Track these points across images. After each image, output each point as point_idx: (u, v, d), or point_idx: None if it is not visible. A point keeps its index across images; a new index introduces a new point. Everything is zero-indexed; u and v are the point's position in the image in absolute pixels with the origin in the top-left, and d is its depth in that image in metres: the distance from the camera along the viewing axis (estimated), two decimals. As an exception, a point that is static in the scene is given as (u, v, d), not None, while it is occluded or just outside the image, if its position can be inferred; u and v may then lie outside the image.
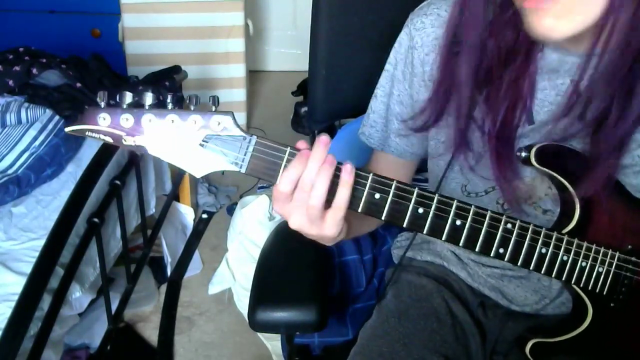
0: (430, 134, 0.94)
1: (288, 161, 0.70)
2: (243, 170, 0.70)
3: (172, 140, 0.68)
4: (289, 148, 0.70)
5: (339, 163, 0.71)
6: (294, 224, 0.73)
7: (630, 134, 0.80)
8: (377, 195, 0.73)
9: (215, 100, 0.70)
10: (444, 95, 0.85)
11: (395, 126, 0.96)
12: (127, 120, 0.67)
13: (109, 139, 0.67)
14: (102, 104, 0.67)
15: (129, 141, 0.67)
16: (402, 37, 0.92)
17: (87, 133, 0.67)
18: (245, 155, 0.69)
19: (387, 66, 0.95)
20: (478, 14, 0.78)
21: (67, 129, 0.68)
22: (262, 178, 0.71)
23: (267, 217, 1.82)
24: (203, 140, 0.69)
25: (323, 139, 0.69)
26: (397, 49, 0.93)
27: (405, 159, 1.00)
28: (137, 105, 0.68)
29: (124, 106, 0.67)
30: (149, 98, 0.67)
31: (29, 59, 2.01)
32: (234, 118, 0.69)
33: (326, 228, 0.73)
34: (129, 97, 0.67)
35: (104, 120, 0.67)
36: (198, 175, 0.70)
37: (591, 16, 0.69)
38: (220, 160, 0.69)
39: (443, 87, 0.84)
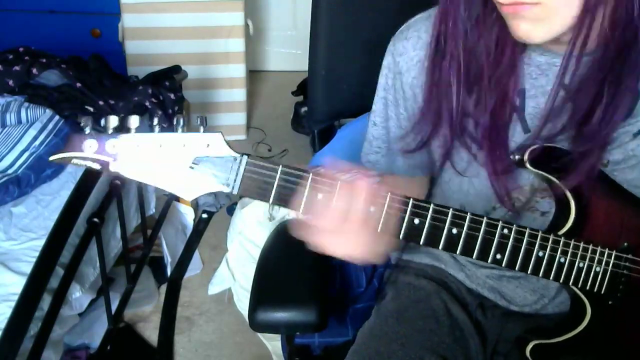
0: (433, 148, 0.94)
1: (283, 180, 0.68)
2: (235, 192, 0.68)
3: (161, 164, 0.67)
4: (280, 167, 0.69)
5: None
6: (341, 254, 0.73)
7: (615, 129, 0.80)
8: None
9: (204, 121, 0.68)
10: (436, 104, 0.85)
11: (399, 147, 0.96)
12: (114, 146, 0.65)
13: (96, 166, 0.66)
14: (87, 130, 0.65)
15: (116, 167, 0.66)
16: (389, 62, 0.92)
17: (73, 161, 0.65)
18: (236, 176, 0.68)
19: (379, 92, 0.95)
20: (458, 21, 0.79)
21: (51, 158, 0.65)
22: (254, 198, 0.69)
23: (267, 218, 1.82)
24: (193, 163, 0.67)
25: (369, 173, 0.71)
26: (386, 74, 0.93)
27: (416, 175, 0.99)
28: (123, 128, 0.66)
29: (110, 131, 0.65)
30: (134, 121, 0.65)
31: (29, 59, 2.01)
32: (223, 137, 0.67)
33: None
34: (114, 121, 0.65)
35: (90, 148, 0.65)
36: (189, 198, 0.68)
37: (568, 19, 0.71)
38: (211, 182, 0.68)
39: (433, 95, 0.85)
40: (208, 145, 0.67)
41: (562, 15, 0.71)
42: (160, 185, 0.67)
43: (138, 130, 0.67)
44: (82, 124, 0.65)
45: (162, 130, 0.67)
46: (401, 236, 0.74)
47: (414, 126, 0.90)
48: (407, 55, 0.89)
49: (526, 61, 0.83)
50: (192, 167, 0.67)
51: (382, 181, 0.73)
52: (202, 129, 0.68)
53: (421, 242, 0.75)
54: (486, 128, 0.83)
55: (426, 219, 0.74)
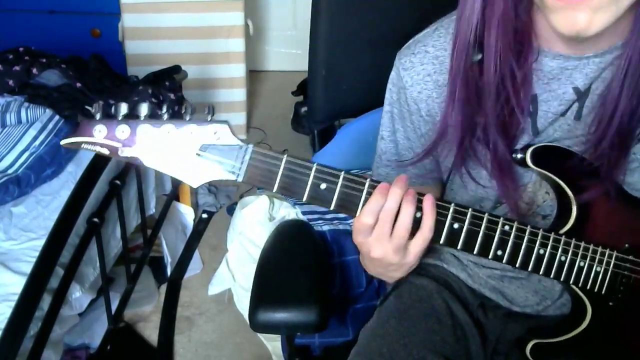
0: (441, 157, 0.94)
1: (287, 170, 0.70)
2: (240, 179, 0.70)
3: (169, 150, 0.68)
4: (285, 156, 0.70)
5: (420, 194, 0.73)
6: (376, 254, 0.75)
7: (633, 133, 0.80)
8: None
9: (211, 110, 0.70)
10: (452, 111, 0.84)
11: (408, 158, 0.96)
12: (123, 132, 0.67)
13: (105, 151, 0.67)
14: (98, 116, 0.67)
15: (125, 152, 0.67)
16: (393, 77, 0.92)
17: (82, 145, 0.67)
18: (242, 164, 0.69)
19: (386, 106, 0.95)
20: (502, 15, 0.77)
21: (62, 142, 0.67)
22: (258, 186, 0.71)
23: (267, 218, 1.81)
24: (199, 150, 0.68)
25: (402, 177, 0.72)
26: (391, 88, 0.93)
27: (428, 184, 0.99)
28: (133, 115, 0.67)
29: (120, 117, 0.67)
30: (144, 109, 0.67)
31: (29, 59, 2.01)
32: (230, 127, 0.69)
33: (408, 257, 0.75)
34: (124, 108, 0.67)
35: (99, 133, 0.67)
36: (195, 185, 0.70)
37: (624, 4, 0.69)
38: (217, 169, 0.69)
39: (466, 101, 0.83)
40: (215, 133, 0.68)
41: (619, 2, 0.69)
42: (167, 172, 0.69)
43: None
44: (92, 110, 0.67)
45: (170, 117, 0.69)
46: None
47: (423, 135, 0.91)
48: (414, 70, 0.88)
49: (536, 67, 0.82)
50: (198, 155, 0.69)
51: None
52: (209, 117, 0.69)
53: None
54: (494, 133, 0.82)
55: None
